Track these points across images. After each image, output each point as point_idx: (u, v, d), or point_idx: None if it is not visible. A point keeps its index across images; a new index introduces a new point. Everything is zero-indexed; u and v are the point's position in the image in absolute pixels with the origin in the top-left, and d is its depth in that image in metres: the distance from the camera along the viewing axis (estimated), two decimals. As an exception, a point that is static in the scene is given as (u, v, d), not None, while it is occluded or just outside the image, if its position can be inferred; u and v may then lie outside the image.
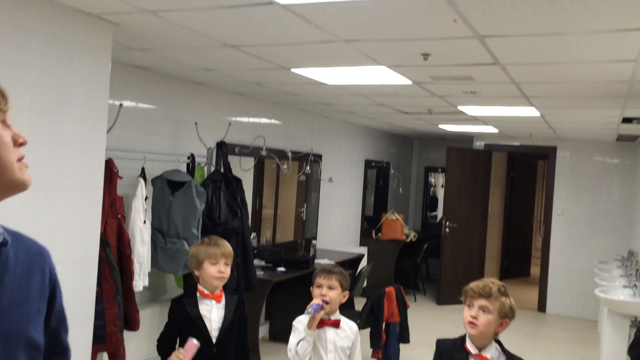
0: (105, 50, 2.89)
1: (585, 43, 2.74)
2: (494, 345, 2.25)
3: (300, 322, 2.70)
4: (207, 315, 2.68)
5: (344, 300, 2.78)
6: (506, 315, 2.22)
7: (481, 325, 2.20)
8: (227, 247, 2.77)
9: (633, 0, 2.08)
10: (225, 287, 2.80)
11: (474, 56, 3.15)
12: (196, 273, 2.74)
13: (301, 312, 2.78)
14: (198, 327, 2.64)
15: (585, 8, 2.20)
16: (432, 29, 2.63)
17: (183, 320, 2.68)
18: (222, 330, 2.68)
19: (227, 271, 2.74)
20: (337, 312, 2.77)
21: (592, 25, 2.43)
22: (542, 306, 8.22)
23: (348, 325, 2.76)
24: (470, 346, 2.23)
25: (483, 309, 2.21)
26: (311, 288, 2.80)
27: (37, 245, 1.21)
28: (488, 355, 2.20)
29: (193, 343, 2.49)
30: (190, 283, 4.33)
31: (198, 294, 2.72)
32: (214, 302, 2.71)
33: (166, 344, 2.73)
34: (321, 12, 2.48)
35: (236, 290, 4.30)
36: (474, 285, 2.27)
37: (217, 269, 2.69)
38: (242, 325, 2.81)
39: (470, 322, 2.22)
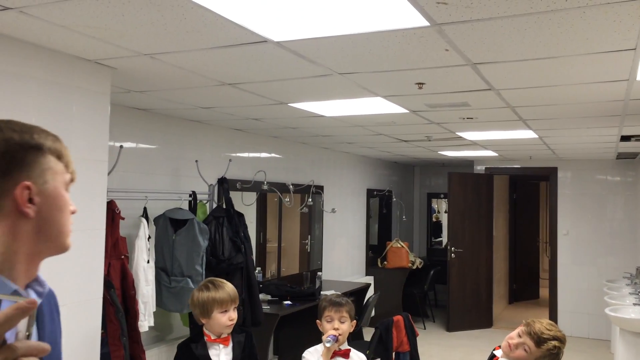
0: (104, 94, 2.93)
1: (576, 65, 2.77)
2: None
3: (311, 354, 2.70)
4: None
5: (352, 329, 2.78)
6: None
7: (515, 356, 2.40)
8: (232, 289, 2.67)
9: (619, 23, 2.12)
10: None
11: (468, 83, 3.19)
12: (203, 321, 2.64)
13: (309, 344, 2.78)
14: None
15: (573, 32, 2.24)
16: (424, 59, 2.67)
17: None
18: None
19: (236, 316, 2.66)
20: (346, 342, 2.77)
21: (582, 48, 2.46)
22: (553, 329, 8.11)
23: (357, 355, 2.76)
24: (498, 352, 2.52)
25: (525, 348, 2.37)
26: (318, 321, 2.79)
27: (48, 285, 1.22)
28: None
29: None
30: (194, 322, 4.30)
31: (205, 338, 2.64)
32: (221, 346, 2.64)
33: None
34: (314, 47, 2.53)
35: (242, 325, 4.27)
36: (539, 327, 2.38)
37: (227, 316, 2.61)
38: None
39: (509, 346, 2.41)
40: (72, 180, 1.14)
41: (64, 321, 2.78)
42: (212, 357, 2.62)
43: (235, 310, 2.67)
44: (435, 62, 2.73)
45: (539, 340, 2.34)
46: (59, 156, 1.11)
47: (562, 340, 2.38)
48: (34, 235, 1.06)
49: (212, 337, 2.64)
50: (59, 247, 1.11)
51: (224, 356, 2.65)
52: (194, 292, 2.70)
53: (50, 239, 1.08)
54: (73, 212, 1.13)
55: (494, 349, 2.63)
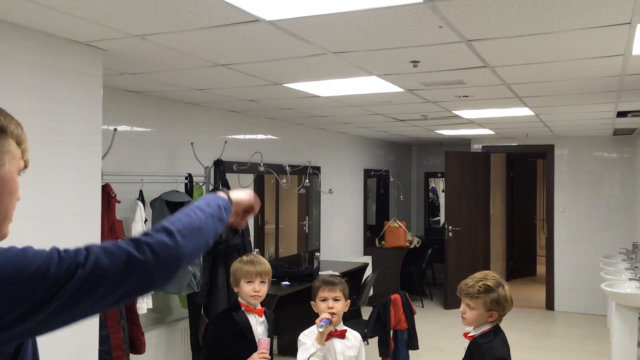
0: (96, 77, 2.91)
1: (571, 41, 2.75)
2: (484, 327, 2.52)
3: (307, 337, 2.70)
4: (254, 329, 2.78)
5: (346, 308, 2.80)
6: (491, 309, 2.48)
7: (469, 319, 2.54)
8: (263, 265, 2.84)
9: (614, -4, 2.10)
10: (262, 304, 2.91)
11: (463, 60, 3.17)
12: (235, 289, 2.86)
13: (308, 325, 2.79)
14: (247, 339, 2.72)
15: (568, 7, 2.22)
16: (418, 36, 2.65)
17: (231, 333, 2.73)
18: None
19: (263, 289, 2.82)
20: (341, 322, 2.78)
21: (577, 23, 2.44)
22: (550, 304, 8.20)
23: (352, 335, 2.77)
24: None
25: (468, 305, 2.52)
26: (312, 302, 2.80)
27: None
28: (471, 333, 2.56)
29: (265, 339, 2.68)
30: (192, 303, 4.33)
31: (242, 308, 2.81)
32: (257, 316, 2.82)
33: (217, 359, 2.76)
34: (307, 26, 2.50)
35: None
36: (463, 282, 2.57)
37: (252, 287, 2.78)
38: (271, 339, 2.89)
39: (462, 316, 2.58)
40: (25, 167, 1.12)
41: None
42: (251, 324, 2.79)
43: (264, 284, 2.82)
44: (429, 40, 2.71)
45: (469, 293, 2.50)
46: (19, 142, 1.09)
47: (484, 277, 2.53)
48: None
49: (249, 306, 2.81)
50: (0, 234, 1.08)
51: (259, 325, 2.81)
52: (233, 262, 2.95)
53: None
54: (18, 200, 1.12)
55: None
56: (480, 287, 2.47)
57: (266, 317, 2.86)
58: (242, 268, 2.81)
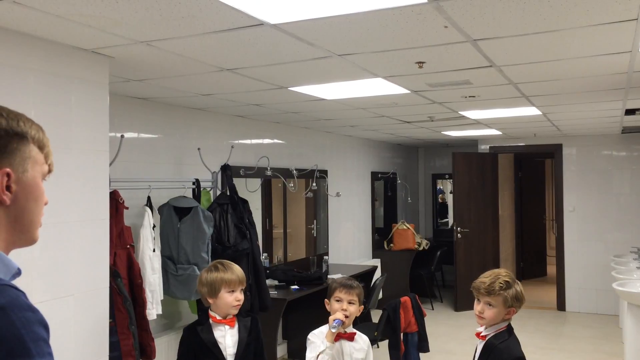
0: (103, 84, 2.92)
1: (578, 38, 2.74)
2: (498, 327, 2.49)
3: (316, 336, 2.72)
4: (221, 342, 2.65)
5: (359, 313, 2.80)
6: (512, 305, 2.48)
7: (487, 319, 2.50)
8: (240, 271, 2.71)
9: (620, -7, 2.08)
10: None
11: (469, 60, 3.15)
12: (210, 301, 2.68)
13: (318, 327, 2.79)
14: (214, 354, 2.61)
15: (573, 4, 2.20)
16: (424, 37, 2.64)
17: (198, 348, 2.64)
18: (238, 356, 2.65)
19: (243, 297, 2.70)
20: (351, 325, 2.78)
21: (583, 20, 2.43)
22: (561, 305, 8.13)
23: (361, 338, 2.79)
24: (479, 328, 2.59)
25: (488, 304, 2.49)
26: (326, 300, 2.81)
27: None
28: (484, 333, 2.53)
29: None
30: (202, 308, 4.33)
31: (211, 320, 2.68)
32: (227, 327, 2.67)
33: None
34: (312, 28, 2.50)
35: (250, 311, 4.28)
36: (480, 282, 2.54)
37: (234, 297, 2.65)
38: (258, 346, 2.77)
39: (478, 316, 2.53)
40: (49, 171, 1.13)
41: (73, 311, 2.80)
42: (217, 338, 2.65)
43: (242, 292, 2.70)
44: (434, 40, 2.70)
45: (489, 291, 2.47)
46: (41, 147, 1.10)
47: (502, 274, 2.52)
48: (11, 224, 1.04)
49: (218, 318, 2.67)
50: (30, 239, 1.10)
51: (230, 337, 2.67)
52: (202, 273, 2.74)
53: (23, 229, 1.07)
54: (46, 204, 1.12)
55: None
56: (501, 283, 2.47)
57: (242, 325, 2.71)
58: (224, 277, 2.63)
